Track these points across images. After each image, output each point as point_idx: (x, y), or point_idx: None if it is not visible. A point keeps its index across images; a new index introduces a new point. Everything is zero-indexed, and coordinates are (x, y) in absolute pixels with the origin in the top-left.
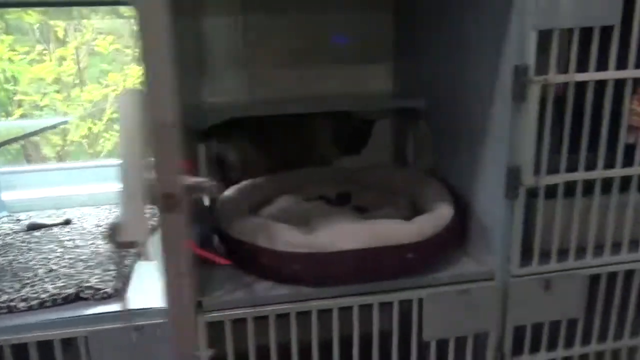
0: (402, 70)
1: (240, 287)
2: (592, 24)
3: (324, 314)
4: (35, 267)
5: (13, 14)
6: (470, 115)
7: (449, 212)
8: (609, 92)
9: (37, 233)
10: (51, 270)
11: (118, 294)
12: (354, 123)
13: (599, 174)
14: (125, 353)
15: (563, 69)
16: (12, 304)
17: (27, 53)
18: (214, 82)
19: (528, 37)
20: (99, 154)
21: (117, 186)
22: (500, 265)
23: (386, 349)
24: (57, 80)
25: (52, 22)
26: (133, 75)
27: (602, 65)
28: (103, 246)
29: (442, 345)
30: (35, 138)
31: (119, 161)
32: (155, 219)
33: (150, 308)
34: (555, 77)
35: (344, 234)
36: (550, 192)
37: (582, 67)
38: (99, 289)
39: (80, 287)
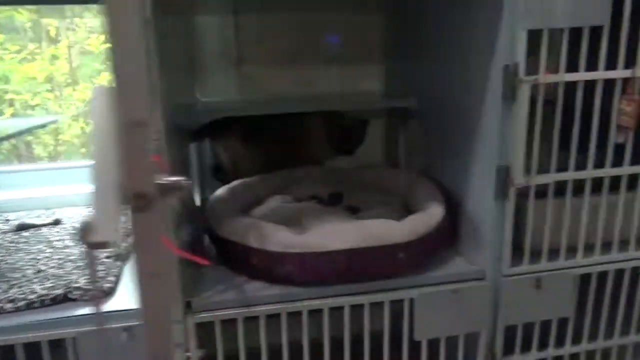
0: (393, 71)
1: (230, 287)
2: (582, 24)
3: (315, 314)
4: (24, 267)
5: (4, 13)
6: (461, 115)
7: (439, 212)
8: (599, 92)
9: (26, 233)
10: (40, 271)
11: (107, 294)
12: (349, 123)
13: (589, 173)
14: (115, 354)
15: (554, 69)
16: None
17: (19, 52)
18: (207, 82)
19: (518, 37)
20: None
21: (89, 185)
22: (491, 264)
23: (378, 349)
24: (49, 79)
25: (44, 21)
26: None
27: (592, 66)
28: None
29: (433, 345)
30: (28, 137)
31: (91, 159)
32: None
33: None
34: (545, 77)
35: (335, 234)
36: (541, 192)
37: (572, 67)
38: (88, 290)
39: (69, 287)
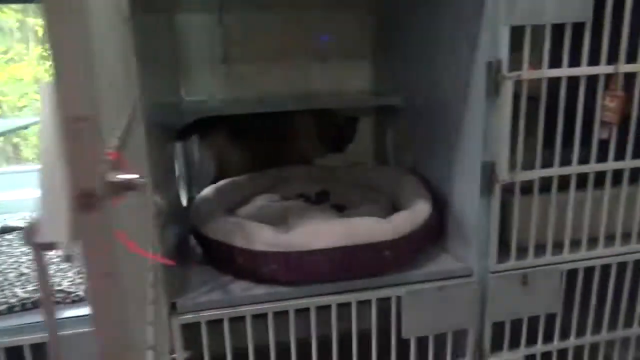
0: (381, 69)
1: (216, 287)
2: (564, 21)
3: (302, 313)
4: (6, 271)
5: None
6: (446, 112)
7: (426, 210)
8: (582, 88)
9: (9, 236)
10: (22, 274)
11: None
12: (340, 120)
13: (573, 169)
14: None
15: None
16: None
17: (5, 52)
18: (192, 81)
19: (500, 33)
20: None
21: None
22: (477, 261)
23: (366, 348)
24: (36, 81)
25: (31, 21)
26: None
27: (575, 62)
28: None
29: (421, 342)
30: (15, 139)
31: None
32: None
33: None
34: (528, 73)
35: (320, 233)
36: (526, 188)
37: (556, 63)
38: (70, 292)
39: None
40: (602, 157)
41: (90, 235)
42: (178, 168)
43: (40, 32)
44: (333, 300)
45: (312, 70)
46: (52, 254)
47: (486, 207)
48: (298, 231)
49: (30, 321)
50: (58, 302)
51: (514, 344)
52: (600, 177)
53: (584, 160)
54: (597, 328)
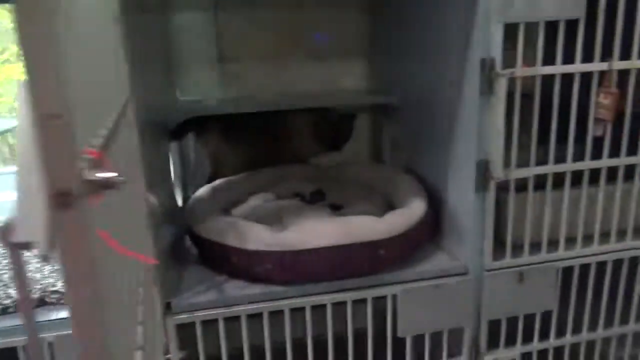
0: (377, 67)
1: (211, 287)
2: (557, 17)
3: (298, 313)
4: (0, 272)
5: None
6: (441, 110)
7: (421, 208)
8: (576, 85)
9: None
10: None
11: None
12: (337, 118)
13: (568, 166)
14: None
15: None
16: None
17: (2, 53)
18: (187, 80)
19: (494, 30)
20: None
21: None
22: (473, 259)
23: (362, 347)
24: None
25: None
26: None
27: (569, 59)
28: None
29: (417, 341)
30: (12, 140)
31: (17, 157)
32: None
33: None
34: (521, 70)
35: (314, 232)
36: (521, 185)
37: (550, 61)
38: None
39: (46, 291)
40: (596, 154)
41: (67, 234)
42: (174, 168)
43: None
44: (328, 299)
45: (307, 69)
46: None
47: (481, 204)
48: (293, 230)
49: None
50: (53, 303)
51: (510, 342)
52: (595, 174)
53: (578, 157)
54: (593, 325)
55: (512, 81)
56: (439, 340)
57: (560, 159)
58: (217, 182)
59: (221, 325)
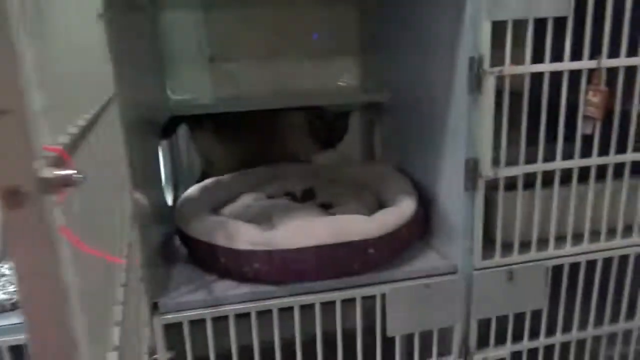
0: (368, 65)
1: (199, 287)
2: (545, 15)
3: (287, 313)
4: None
5: None
6: (431, 109)
7: (411, 207)
8: (565, 83)
9: None
10: (3, 275)
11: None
12: (331, 116)
13: (557, 165)
14: None
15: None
16: None
17: None
18: (178, 79)
19: (482, 28)
20: None
21: None
22: (462, 258)
23: (352, 347)
24: None
25: None
26: None
27: (558, 57)
28: None
29: (407, 340)
30: None
31: None
32: None
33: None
34: (510, 69)
35: (303, 231)
36: (511, 184)
37: (539, 59)
38: None
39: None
40: (586, 153)
41: (19, 233)
42: (164, 167)
43: None
44: (317, 298)
45: (299, 67)
46: None
47: (470, 203)
48: (281, 229)
49: (10, 323)
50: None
51: (500, 341)
52: (584, 172)
53: (568, 155)
54: (583, 324)
55: (500, 79)
56: (429, 340)
57: (549, 157)
58: (207, 181)
59: (209, 325)
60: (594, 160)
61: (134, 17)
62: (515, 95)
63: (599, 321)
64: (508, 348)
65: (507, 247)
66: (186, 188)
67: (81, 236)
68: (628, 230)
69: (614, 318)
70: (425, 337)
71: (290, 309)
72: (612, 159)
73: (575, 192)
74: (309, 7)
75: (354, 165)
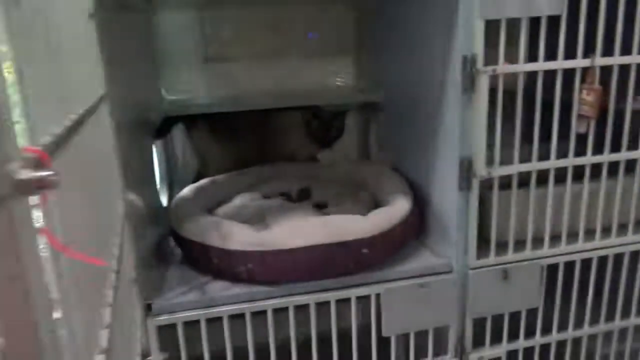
0: (364, 65)
1: (193, 288)
2: (538, 14)
3: (281, 313)
4: None
5: None
6: (425, 108)
7: (405, 206)
8: (559, 82)
9: None
10: None
11: None
12: (328, 115)
13: (551, 164)
14: None
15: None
16: None
17: None
18: (173, 79)
19: (475, 27)
20: None
21: None
22: (457, 257)
23: (347, 347)
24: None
25: None
26: None
27: (552, 56)
28: None
29: (402, 340)
30: None
31: None
32: None
33: None
34: (503, 67)
35: (297, 231)
36: (505, 183)
37: (533, 58)
38: None
39: None
40: (580, 151)
41: None
42: (159, 167)
43: None
44: (311, 299)
45: (294, 67)
46: None
47: (464, 202)
48: (275, 230)
49: None
50: None
51: (496, 340)
52: (579, 171)
53: (562, 154)
54: (579, 322)
55: (494, 78)
56: (424, 339)
57: (544, 156)
58: (202, 181)
59: (203, 327)
60: (589, 159)
61: (126, 17)
62: (509, 94)
63: (594, 319)
64: (504, 347)
65: (502, 246)
66: (181, 188)
67: (65, 238)
68: (623, 228)
69: (610, 316)
70: (421, 336)
71: (284, 309)
72: (607, 157)
73: (570, 191)
74: (304, 7)
75: (349, 165)
